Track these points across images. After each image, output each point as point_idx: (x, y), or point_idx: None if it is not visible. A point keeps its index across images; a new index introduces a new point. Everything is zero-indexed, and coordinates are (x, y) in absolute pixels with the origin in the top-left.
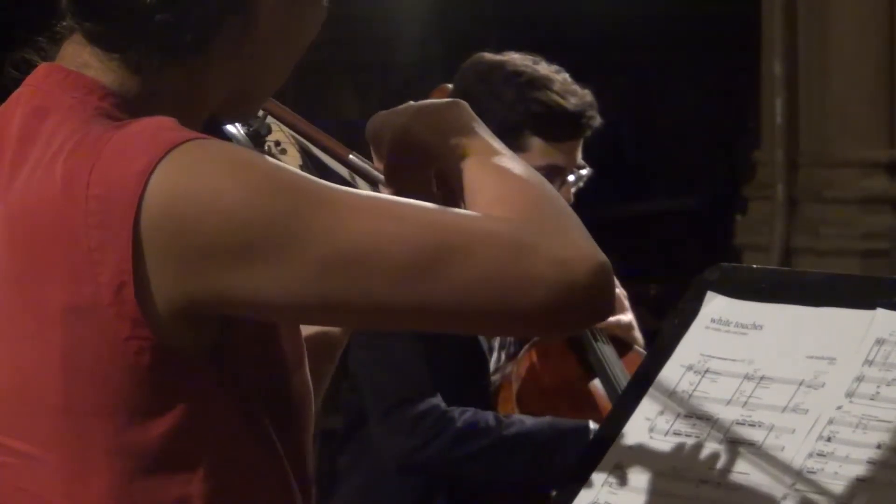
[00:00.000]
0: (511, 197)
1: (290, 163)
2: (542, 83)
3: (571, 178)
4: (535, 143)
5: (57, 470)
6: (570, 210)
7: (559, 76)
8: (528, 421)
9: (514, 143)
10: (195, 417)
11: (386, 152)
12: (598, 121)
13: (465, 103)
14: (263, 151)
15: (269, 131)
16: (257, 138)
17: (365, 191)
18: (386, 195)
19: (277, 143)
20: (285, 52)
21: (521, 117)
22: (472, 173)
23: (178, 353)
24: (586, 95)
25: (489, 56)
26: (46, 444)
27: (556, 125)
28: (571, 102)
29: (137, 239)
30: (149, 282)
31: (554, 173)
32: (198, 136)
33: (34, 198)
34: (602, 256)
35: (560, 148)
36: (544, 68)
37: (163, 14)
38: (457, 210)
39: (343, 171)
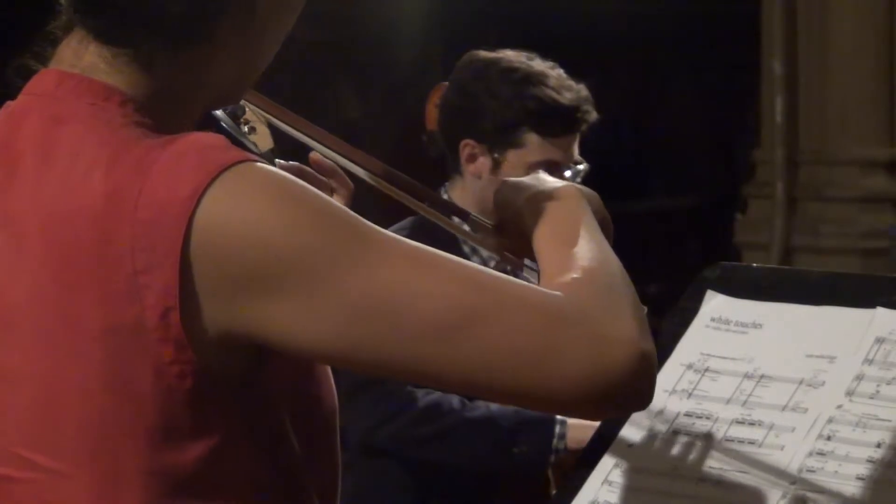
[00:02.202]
0: (568, 274)
1: (262, 140)
2: (537, 79)
3: (568, 173)
4: (532, 138)
5: (87, 487)
6: (632, 297)
7: (554, 72)
8: (494, 406)
9: (511, 139)
10: (231, 441)
11: (508, 229)
12: (593, 115)
13: (577, 192)
14: (241, 131)
15: (244, 111)
16: (234, 118)
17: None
18: (430, 248)
19: (247, 122)
20: (277, 34)
21: (518, 113)
22: (542, 251)
23: (218, 377)
24: (581, 90)
25: (484, 53)
26: (77, 460)
27: (552, 120)
28: (566, 97)
29: (185, 264)
30: (194, 307)
31: (551, 169)
32: (244, 158)
33: (72, 212)
34: (648, 346)
35: (556, 143)
36: (539, 64)
37: (175, 3)
38: (501, 274)
39: (320, 148)
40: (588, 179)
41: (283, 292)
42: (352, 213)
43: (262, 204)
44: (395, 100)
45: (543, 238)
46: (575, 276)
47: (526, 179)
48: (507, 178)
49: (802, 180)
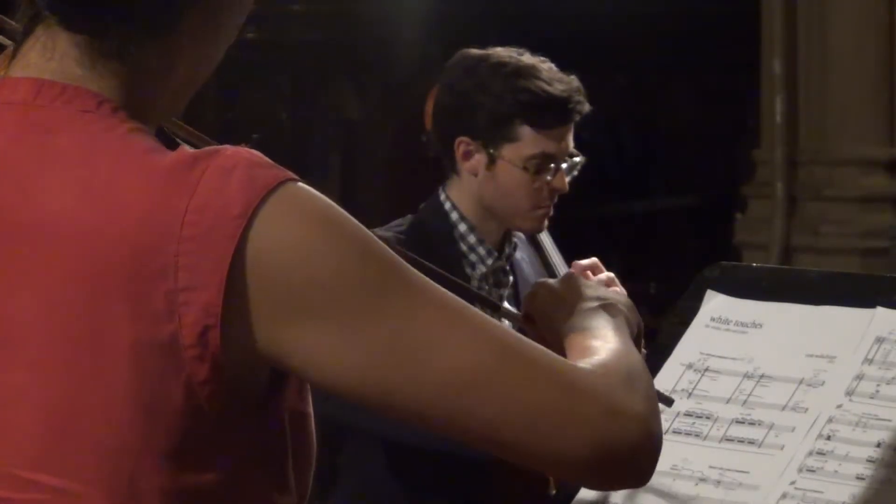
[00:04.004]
0: (592, 356)
1: None
2: (528, 72)
3: (564, 165)
4: (525, 131)
5: None
6: (649, 385)
7: (544, 65)
8: None
9: (505, 133)
10: (246, 463)
11: (540, 325)
12: (586, 106)
13: (617, 311)
14: None
15: None
16: None
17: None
18: (462, 301)
19: None
20: (231, 32)
21: (510, 107)
22: (570, 347)
23: (241, 398)
24: (572, 81)
25: (473, 51)
26: (90, 480)
27: (545, 112)
28: (558, 88)
29: (230, 283)
30: (233, 327)
31: (546, 161)
32: (288, 177)
33: (100, 226)
34: (656, 428)
35: (550, 135)
36: (529, 58)
37: None
38: (526, 338)
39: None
40: (589, 180)
41: (321, 319)
42: (392, 251)
43: (312, 230)
44: (394, 100)
45: (575, 341)
46: (597, 357)
47: (565, 292)
48: (544, 281)
49: (802, 180)
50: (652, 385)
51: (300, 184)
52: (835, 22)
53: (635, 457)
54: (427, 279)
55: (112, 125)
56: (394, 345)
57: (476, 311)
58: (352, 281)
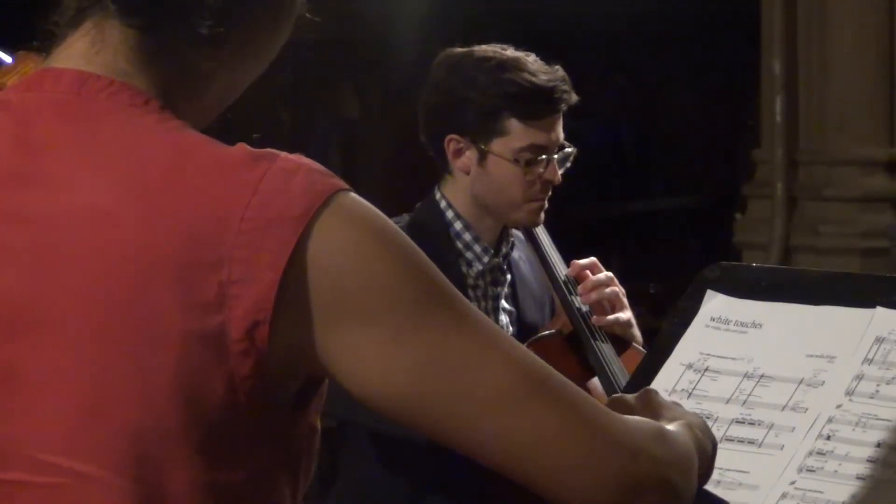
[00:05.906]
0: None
1: None
2: (512, 64)
3: (556, 157)
4: (514, 124)
5: (128, 496)
6: (683, 451)
7: (528, 57)
8: None
9: (494, 127)
10: (274, 466)
11: None
12: (573, 96)
13: (690, 425)
14: None
15: None
16: None
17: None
18: (501, 329)
19: None
20: (272, 53)
21: (497, 100)
22: None
23: (278, 399)
24: (557, 71)
25: (456, 49)
26: (119, 467)
27: (532, 102)
28: (543, 79)
29: (284, 282)
30: (282, 325)
31: (537, 152)
32: (345, 186)
33: (154, 214)
34: (676, 480)
35: (538, 126)
36: (512, 52)
37: None
38: (565, 378)
39: None
40: (589, 180)
41: (371, 326)
42: (435, 267)
43: (368, 239)
44: (394, 99)
45: None
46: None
47: (641, 411)
48: (621, 396)
49: (802, 180)
50: (692, 459)
51: (353, 194)
52: (835, 22)
53: (650, 501)
54: (469, 303)
55: (163, 119)
56: (437, 357)
57: (518, 343)
58: (403, 290)
